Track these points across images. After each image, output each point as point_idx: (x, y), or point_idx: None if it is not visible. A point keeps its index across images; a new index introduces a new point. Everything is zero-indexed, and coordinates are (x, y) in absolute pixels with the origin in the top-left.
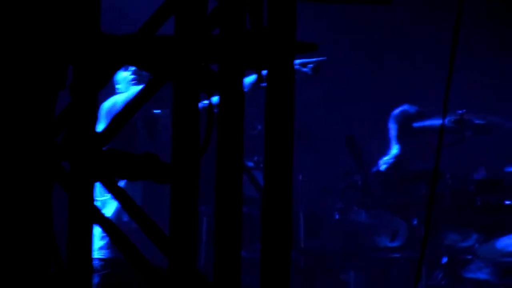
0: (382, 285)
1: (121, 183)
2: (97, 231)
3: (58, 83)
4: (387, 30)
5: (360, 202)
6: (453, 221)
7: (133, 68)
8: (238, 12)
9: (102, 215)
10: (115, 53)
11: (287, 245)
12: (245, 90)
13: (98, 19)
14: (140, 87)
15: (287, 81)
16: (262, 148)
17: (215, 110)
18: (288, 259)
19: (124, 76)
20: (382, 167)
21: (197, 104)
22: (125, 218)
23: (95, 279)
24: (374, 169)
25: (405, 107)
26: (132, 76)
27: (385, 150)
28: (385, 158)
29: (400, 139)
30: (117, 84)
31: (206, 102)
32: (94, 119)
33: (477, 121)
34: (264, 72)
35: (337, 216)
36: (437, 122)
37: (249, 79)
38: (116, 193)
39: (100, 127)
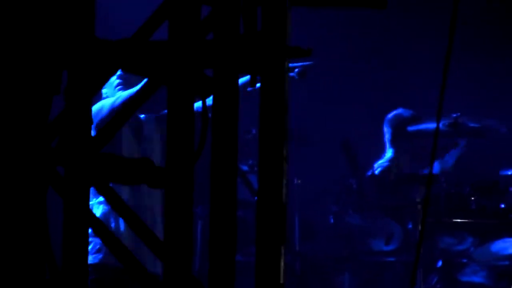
0: None
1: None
2: None
3: (53, 88)
4: (382, 33)
5: (355, 205)
6: (448, 225)
7: (118, 73)
8: (232, 17)
9: (97, 220)
10: (109, 58)
11: (282, 248)
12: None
13: (93, 24)
14: (127, 92)
15: (280, 86)
16: (257, 152)
17: (210, 114)
18: (283, 262)
19: (110, 81)
20: (377, 170)
21: (192, 109)
22: (113, 223)
23: None
24: (369, 173)
25: (399, 110)
26: (118, 81)
27: (380, 154)
28: (380, 162)
29: (395, 143)
30: (103, 88)
31: (200, 105)
32: (89, 124)
33: (472, 125)
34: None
35: (332, 220)
36: (431, 125)
37: (241, 80)
38: (110, 197)
39: None
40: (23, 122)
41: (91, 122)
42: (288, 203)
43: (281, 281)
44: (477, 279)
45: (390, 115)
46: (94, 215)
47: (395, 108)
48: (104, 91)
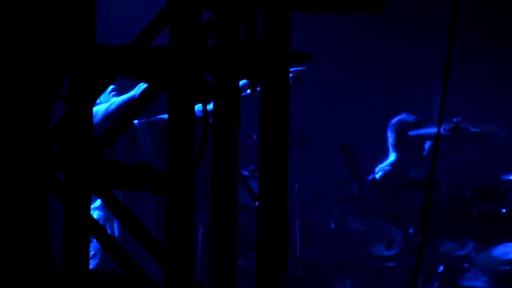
0: None
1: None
2: None
3: (54, 94)
4: (382, 37)
5: (356, 210)
6: (449, 230)
7: None
8: (233, 22)
9: (99, 226)
10: (110, 64)
11: (283, 254)
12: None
13: (93, 30)
14: (121, 97)
15: (282, 91)
16: (257, 157)
17: (210, 120)
18: (284, 268)
19: None
20: (378, 174)
21: (193, 114)
22: (108, 229)
23: None
24: (370, 177)
25: (403, 116)
26: (112, 87)
27: (380, 158)
28: (381, 165)
29: (397, 148)
30: None
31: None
32: (90, 130)
33: (473, 129)
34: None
35: (332, 225)
36: (432, 130)
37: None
38: (111, 204)
39: None
40: (23, 128)
41: (92, 128)
42: (289, 208)
43: (283, 286)
44: (478, 284)
45: (394, 120)
46: (95, 221)
47: (395, 111)
48: None
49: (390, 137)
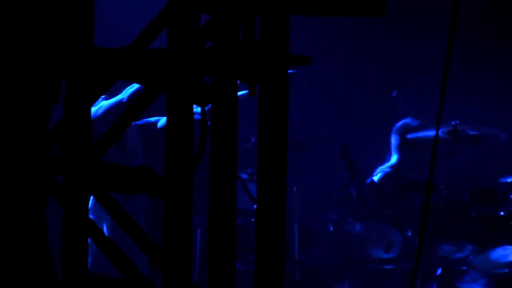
0: None
1: None
2: None
3: (52, 96)
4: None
5: (355, 213)
6: (448, 232)
7: None
8: (231, 25)
9: (97, 228)
10: (108, 67)
11: (281, 257)
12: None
13: (92, 33)
14: (108, 101)
15: (281, 94)
16: (256, 160)
17: (209, 123)
18: (282, 271)
19: None
20: (377, 176)
21: (191, 117)
22: None
23: None
24: (369, 180)
25: (407, 120)
26: None
27: (380, 160)
28: (382, 167)
29: (401, 151)
30: None
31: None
32: (88, 133)
33: (471, 132)
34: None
35: (331, 228)
36: (430, 133)
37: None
38: (109, 206)
39: None
40: (22, 130)
41: (90, 130)
42: (287, 211)
43: None
44: (476, 286)
45: (398, 124)
46: (94, 223)
47: (394, 114)
48: None
49: (394, 140)
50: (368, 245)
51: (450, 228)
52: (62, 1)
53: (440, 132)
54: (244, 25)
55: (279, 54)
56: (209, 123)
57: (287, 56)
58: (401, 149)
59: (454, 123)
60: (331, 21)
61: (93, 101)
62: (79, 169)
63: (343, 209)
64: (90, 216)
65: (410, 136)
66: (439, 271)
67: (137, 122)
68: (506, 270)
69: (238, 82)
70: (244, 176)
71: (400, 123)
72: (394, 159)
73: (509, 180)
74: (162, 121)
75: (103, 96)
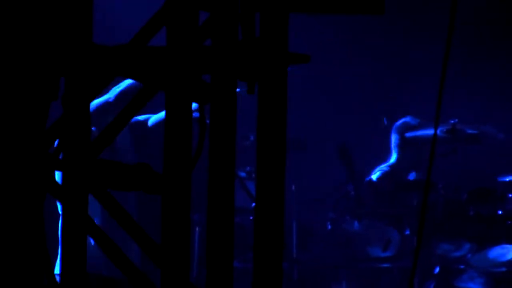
0: None
1: None
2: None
3: (50, 93)
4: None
5: (353, 212)
6: (446, 231)
7: None
8: (230, 22)
9: (96, 226)
10: (107, 64)
11: (279, 255)
12: None
13: (90, 30)
14: (97, 100)
15: (280, 92)
16: (255, 159)
17: (207, 121)
18: (281, 269)
19: None
20: (375, 175)
21: (190, 114)
22: None
23: None
24: (367, 179)
25: (407, 118)
26: None
27: (378, 160)
28: (381, 166)
29: (400, 149)
30: None
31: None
32: (87, 130)
33: (470, 131)
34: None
35: (329, 226)
36: (429, 132)
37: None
38: (108, 204)
39: None
40: (20, 128)
41: (89, 128)
42: (285, 209)
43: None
44: (474, 285)
45: (398, 123)
46: (93, 221)
47: (394, 113)
48: None
49: (394, 139)
50: (366, 243)
51: (448, 227)
52: None
53: (438, 131)
54: (243, 23)
55: (279, 52)
56: (207, 121)
57: (286, 54)
58: (400, 148)
59: (452, 122)
60: (331, 19)
61: (91, 99)
62: (78, 166)
63: (341, 208)
64: None
65: (408, 134)
66: (437, 269)
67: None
68: (504, 269)
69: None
70: (243, 174)
71: (400, 121)
72: (393, 158)
73: (507, 179)
74: (153, 119)
75: None
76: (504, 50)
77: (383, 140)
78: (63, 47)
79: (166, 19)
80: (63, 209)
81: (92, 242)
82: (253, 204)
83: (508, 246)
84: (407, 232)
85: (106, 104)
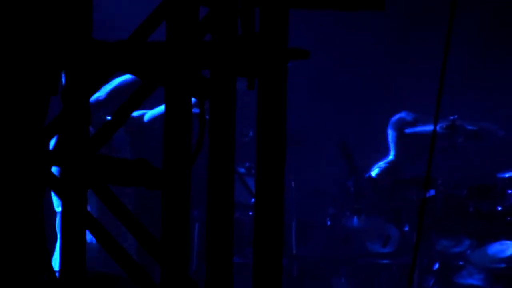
0: None
1: None
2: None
3: (50, 89)
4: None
5: (352, 208)
6: (445, 227)
7: None
8: (230, 18)
9: (95, 221)
10: (107, 59)
11: (279, 251)
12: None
13: (90, 26)
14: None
15: (279, 88)
16: (254, 155)
17: (207, 116)
18: (280, 264)
19: None
20: (375, 171)
21: (189, 110)
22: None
23: None
24: (367, 175)
25: (402, 114)
26: None
27: (378, 156)
28: (380, 163)
29: (397, 146)
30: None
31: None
32: (86, 125)
33: (469, 127)
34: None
35: (329, 222)
36: (428, 128)
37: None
38: (107, 199)
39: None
40: (20, 123)
41: (88, 123)
42: (285, 205)
43: (279, 283)
44: (473, 281)
45: (393, 118)
46: (92, 216)
47: (393, 109)
48: None
49: (390, 135)
50: (365, 239)
51: (448, 223)
52: None
53: (438, 127)
54: (243, 18)
55: (278, 48)
56: (207, 116)
57: (286, 50)
58: (397, 144)
59: (452, 118)
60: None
61: (91, 94)
62: (77, 161)
63: (341, 204)
64: None
65: (408, 130)
66: (437, 265)
67: None
68: (503, 265)
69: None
70: (242, 170)
71: (395, 117)
72: (391, 154)
73: (507, 175)
74: (149, 114)
75: None
76: (504, 45)
77: (383, 135)
78: (63, 42)
79: (166, 14)
80: (62, 204)
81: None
82: (253, 200)
83: (507, 242)
84: (407, 228)
85: (96, 102)
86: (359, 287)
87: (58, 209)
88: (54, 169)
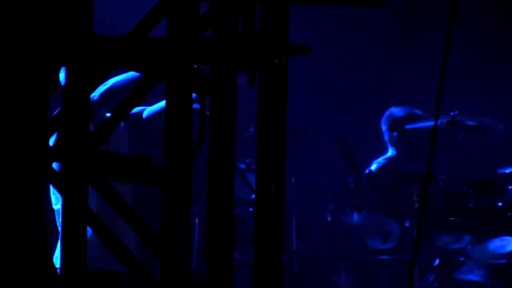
0: (374, 287)
1: None
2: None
3: (51, 85)
4: (381, 31)
5: (352, 204)
6: (445, 223)
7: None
8: (231, 14)
9: (96, 217)
10: (107, 55)
11: (280, 247)
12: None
13: (91, 21)
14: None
15: (280, 83)
16: (254, 150)
17: (207, 112)
18: (281, 261)
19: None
20: (373, 166)
21: (190, 106)
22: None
23: None
24: (367, 171)
25: (391, 110)
26: None
27: (378, 152)
28: (378, 160)
29: (391, 142)
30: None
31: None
32: (87, 121)
33: (469, 123)
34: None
35: (329, 218)
36: (429, 123)
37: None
38: (108, 195)
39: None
40: (21, 119)
41: (89, 119)
42: (285, 201)
43: (279, 279)
44: (474, 277)
45: (384, 116)
46: (93, 212)
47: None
48: None
49: (384, 132)
50: (366, 235)
51: (448, 219)
52: None
53: (438, 123)
54: (243, 14)
55: (279, 44)
56: (208, 112)
57: (286, 46)
58: (391, 140)
59: (452, 113)
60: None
61: (92, 90)
62: (78, 157)
63: (341, 200)
64: None
65: (408, 126)
66: (437, 261)
67: None
68: (504, 261)
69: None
70: (242, 166)
71: (385, 114)
72: (389, 152)
73: (507, 171)
74: (148, 111)
75: None
76: (504, 40)
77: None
78: (64, 38)
79: (166, 10)
80: (63, 200)
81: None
82: (253, 196)
83: (508, 238)
84: (407, 224)
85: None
86: (359, 283)
87: (56, 207)
88: (54, 165)
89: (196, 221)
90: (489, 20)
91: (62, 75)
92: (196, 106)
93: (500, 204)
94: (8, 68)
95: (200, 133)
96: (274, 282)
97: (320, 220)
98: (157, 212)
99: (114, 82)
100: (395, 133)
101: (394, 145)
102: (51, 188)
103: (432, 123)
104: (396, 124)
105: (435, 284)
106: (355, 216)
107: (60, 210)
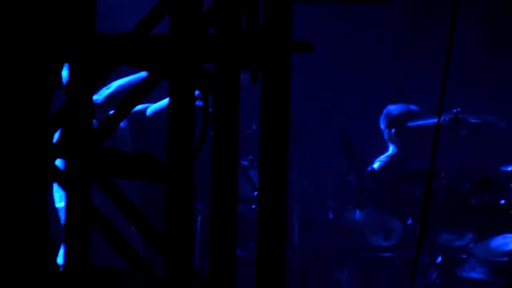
0: (376, 284)
1: None
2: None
3: (54, 82)
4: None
5: (355, 201)
6: (448, 220)
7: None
8: (234, 11)
9: (100, 214)
10: (110, 52)
11: (283, 244)
12: None
13: (94, 19)
14: None
15: (283, 81)
16: (257, 147)
17: (211, 109)
18: (284, 258)
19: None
20: (376, 164)
21: (193, 103)
22: None
23: None
24: (369, 168)
25: (389, 108)
26: None
27: (381, 149)
28: (380, 157)
29: (390, 139)
30: None
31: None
32: (90, 118)
33: (472, 120)
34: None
35: (331, 215)
36: (431, 121)
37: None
38: (111, 192)
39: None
40: (24, 116)
41: (92, 116)
42: (288, 199)
43: (283, 276)
44: (476, 275)
45: (382, 115)
46: (96, 209)
47: (396, 102)
48: None
49: (384, 131)
50: (368, 232)
51: (451, 216)
52: None
53: (441, 120)
54: (246, 11)
55: (282, 41)
56: (211, 109)
57: (289, 43)
58: (391, 138)
59: (455, 110)
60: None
61: (95, 87)
62: (81, 154)
63: (343, 197)
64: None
65: (411, 123)
66: (439, 259)
67: None
68: (506, 258)
69: None
70: (245, 163)
71: (383, 113)
72: (390, 149)
73: (510, 169)
74: (151, 108)
75: None
76: (507, 38)
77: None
78: (67, 35)
79: (170, 7)
80: (67, 197)
81: None
82: (256, 193)
83: (510, 235)
84: (409, 221)
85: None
86: (361, 280)
87: (59, 204)
88: (58, 162)
89: (199, 218)
90: (491, 16)
91: (65, 72)
92: (199, 103)
93: (502, 201)
94: (11, 65)
95: (203, 130)
96: (278, 279)
97: (322, 217)
98: (161, 209)
99: (118, 85)
100: (393, 130)
101: (394, 142)
102: (55, 187)
103: (434, 120)
104: (393, 121)
105: (437, 281)
106: (357, 213)
107: (64, 208)
